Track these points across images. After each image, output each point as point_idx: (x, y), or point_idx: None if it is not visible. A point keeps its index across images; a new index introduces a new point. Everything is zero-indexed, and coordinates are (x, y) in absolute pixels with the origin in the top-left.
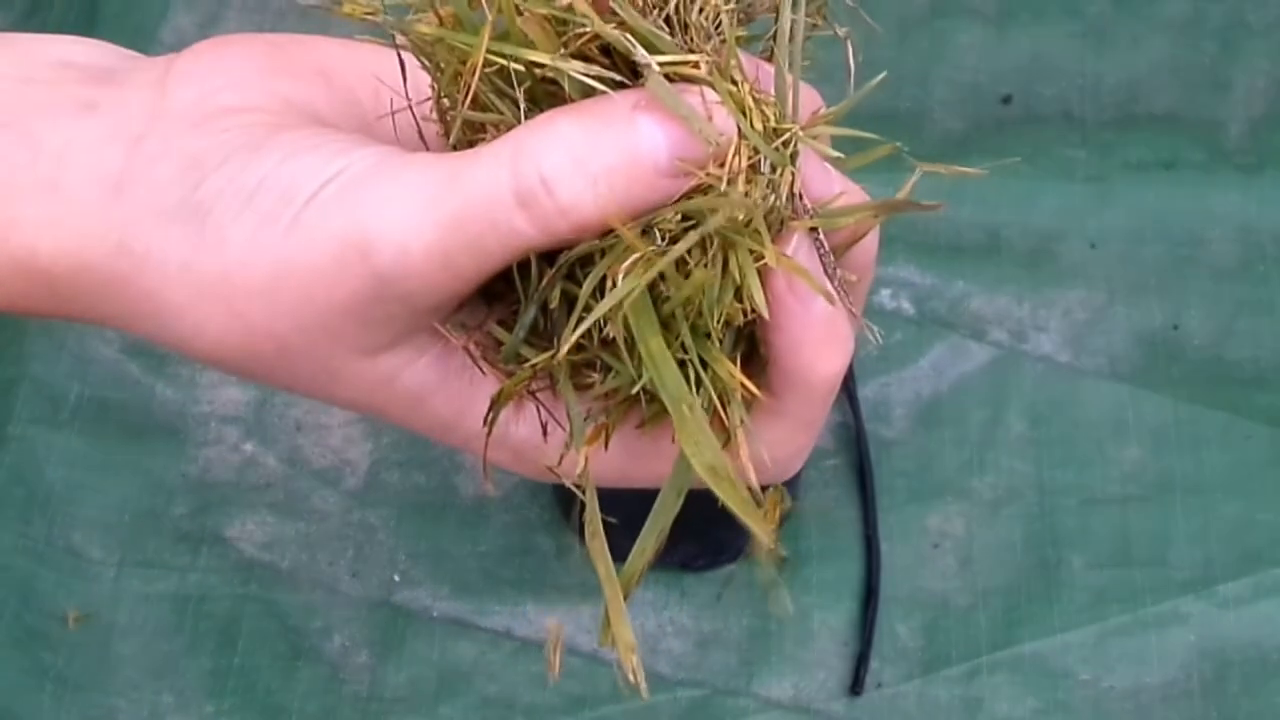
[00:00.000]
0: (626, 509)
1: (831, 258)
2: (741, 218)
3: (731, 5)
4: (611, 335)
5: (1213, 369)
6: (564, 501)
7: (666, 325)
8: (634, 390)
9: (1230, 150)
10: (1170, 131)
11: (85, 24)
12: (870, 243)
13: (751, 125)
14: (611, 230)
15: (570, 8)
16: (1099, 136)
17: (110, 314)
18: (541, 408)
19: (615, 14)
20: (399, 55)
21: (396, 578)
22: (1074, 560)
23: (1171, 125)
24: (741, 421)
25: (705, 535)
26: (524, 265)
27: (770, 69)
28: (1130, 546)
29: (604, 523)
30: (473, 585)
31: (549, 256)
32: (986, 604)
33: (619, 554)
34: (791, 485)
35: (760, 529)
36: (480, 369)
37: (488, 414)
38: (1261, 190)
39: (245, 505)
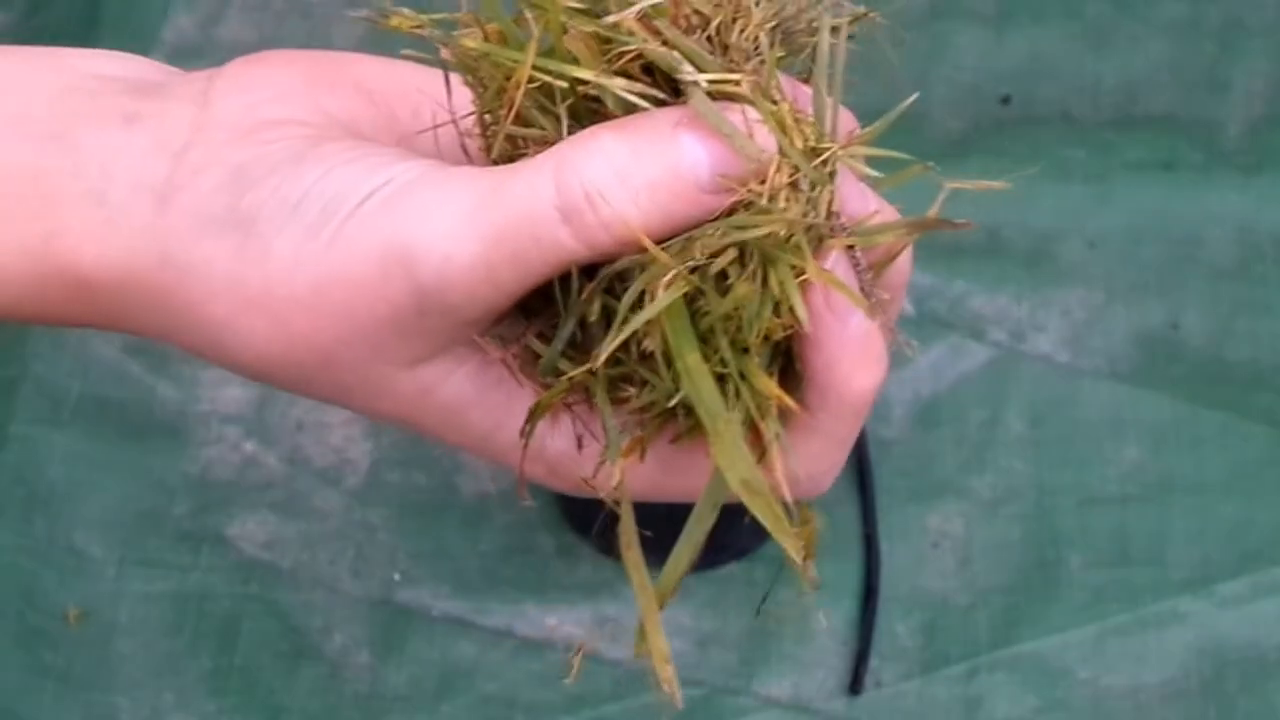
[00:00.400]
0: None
1: (869, 275)
2: (783, 233)
3: (771, 27)
4: (649, 349)
5: (1211, 369)
6: (564, 501)
7: (704, 340)
8: (670, 404)
9: (1229, 151)
10: (1169, 132)
11: (86, 24)
12: (904, 262)
13: (792, 143)
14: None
15: (616, 26)
16: (1098, 137)
17: (152, 325)
18: (578, 421)
19: (659, 33)
20: (444, 70)
21: (397, 577)
22: (1073, 560)
23: (1170, 126)
24: (777, 436)
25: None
26: (564, 279)
27: (808, 90)
28: (1129, 546)
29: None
30: (473, 584)
31: (589, 271)
32: (986, 603)
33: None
34: None
35: (792, 546)
36: (518, 381)
37: (525, 425)
38: (1260, 190)
39: (246, 504)
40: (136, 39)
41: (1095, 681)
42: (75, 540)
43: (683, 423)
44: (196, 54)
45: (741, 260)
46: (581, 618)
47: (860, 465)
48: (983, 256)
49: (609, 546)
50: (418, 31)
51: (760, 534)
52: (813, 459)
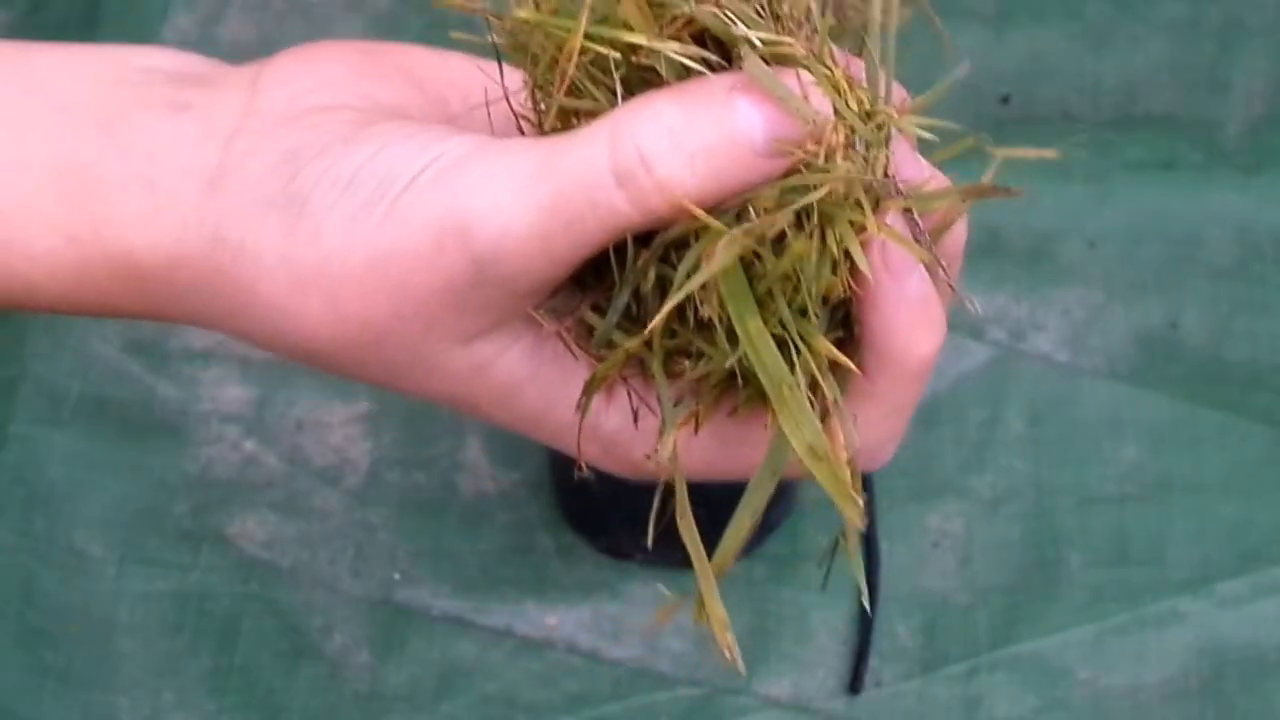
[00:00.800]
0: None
1: (927, 238)
2: (842, 191)
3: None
4: (706, 317)
5: (1211, 369)
6: (564, 501)
7: (762, 304)
8: (727, 370)
9: (1229, 150)
10: (1169, 132)
11: (86, 23)
12: (960, 230)
13: (847, 105)
14: (709, 212)
15: None
16: (1098, 136)
17: (201, 310)
18: (633, 395)
19: None
20: (495, 47)
21: (397, 576)
22: (1072, 559)
23: (1170, 125)
24: (836, 402)
25: (706, 535)
26: (619, 250)
27: (859, 61)
28: (1128, 546)
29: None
30: (473, 584)
31: (644, 241)
32: (986, 603)
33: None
34: (792, 484)
35: (854, 514)
36: (573, 354)
37: (581, 398)
38: (1260, 190)
39: (246, 504)
40: (136, 39)
41: (1095, 681)
42: (75, 540)
43: (740, 393)
44: (197, 53)
45: (799, 222)
46: (581, 618)
47: None
48: (983, 256)
49: (609, 546)
50: (469, 6)
51: (760, 531)
52: (872, 426)
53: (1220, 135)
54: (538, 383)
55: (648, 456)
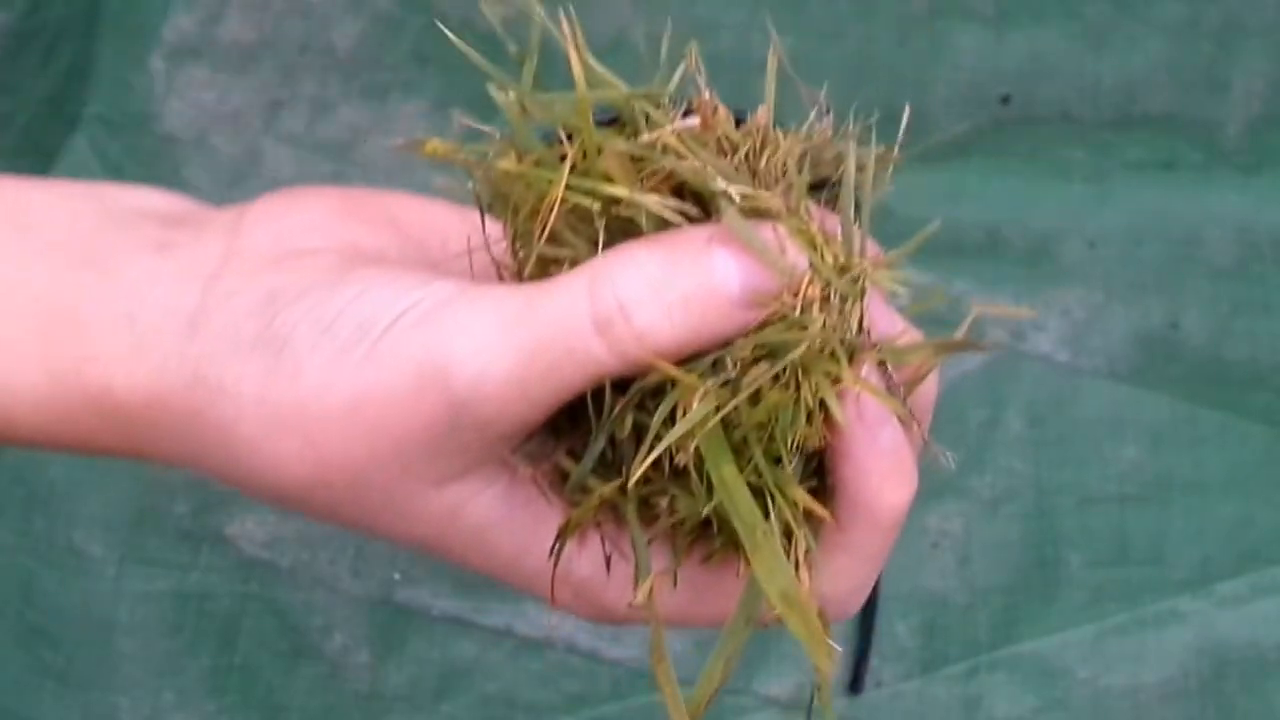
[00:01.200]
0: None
1: (900, 391)
2: (818, 344)
3: (798, 156)
4: (681, 465)
5: (1210, 369)
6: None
7: (737, 452)
8: (701, 517)
9: (1228, 151)
10: (1168, 132)
11: (86, 23)
12: (931, 384)
13: (822, 259)
14: (685, 360)
15: (650, 145)
16: (1098, 137)
17: (180, 450)
18: (606, 541)
19: (692, 153)
20: (476, 196)
21: (397, 576)
22: (1072, 559)
23: (1169, 126)
24: (809, 550)
25: None
26: (595, 396)
27: (834, 216)
28: (1128, 545)
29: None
30: (473, 584)
31: (620, 387)
32: (985, 603)
33: None
34: None
35: (824, 663)
36: (547, 500)
37: (554, 544)
38: (1259, 190)
39: (246, 504)
40: (136, 38)
41: (1095, 681)
42: (75, 540)
43: (715, 540)
44: (196, 53)
45: (775, 372)
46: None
47: None
48: (983, 256)
49: None
50: (453, 158)
51: None
52: (844, 575)
53: (1220, 135)
54: (511, 527)
55: (630, 605)
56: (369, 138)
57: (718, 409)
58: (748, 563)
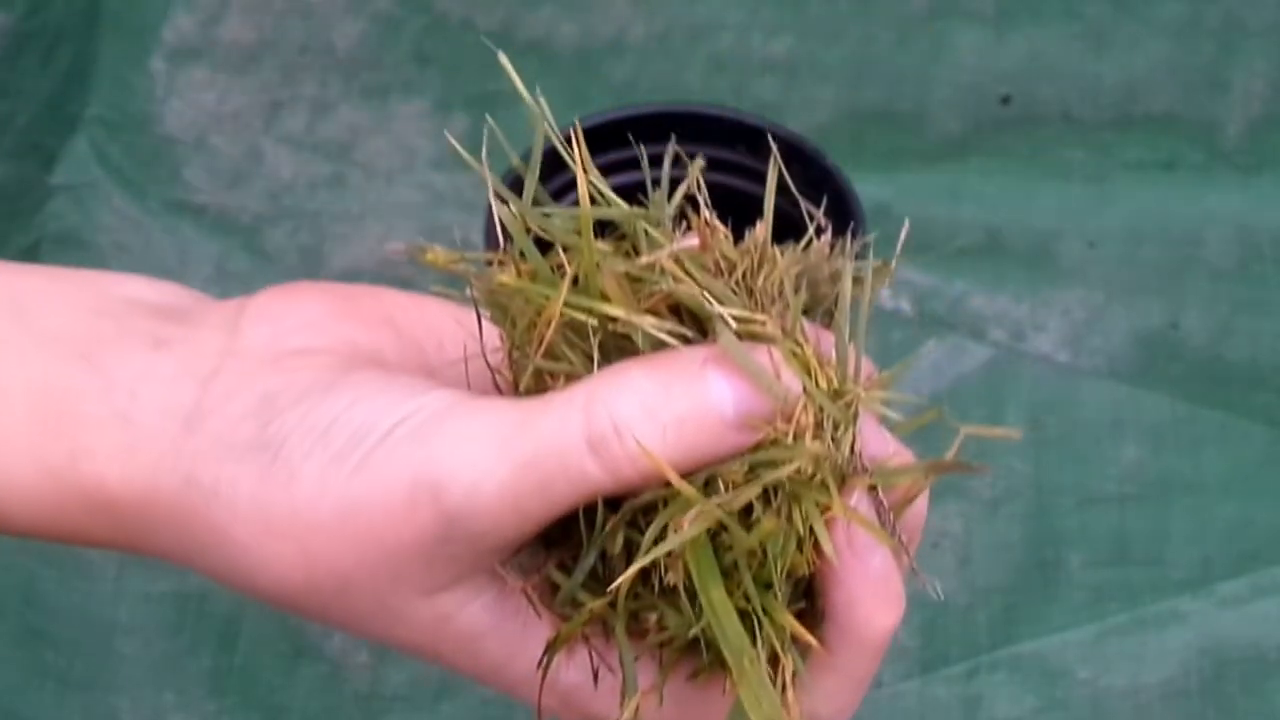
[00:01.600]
0: None
1: (890, 516)
2: (810, 471)
3: (795, 273)
4: (671, 583)
5: (1211, 369)
6: None
7: (727, 575)
8: (689, 637)
9: (1228, 151)
10: (1168, 132)
11: (86, 23)
12: (921, 505)
13: (816, 384)
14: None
15: (648, 266)
16: (1098, 137)
17: (173, 547)
18: (594, 653)
19: (689, 275)
20: (475, 306)
21: None
22: (1072, 559)
23: (1170, 126)
24: (795, 674)
25: None
26: (587, 509)
27: (829, 336)
28: (1128, 546)
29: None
30: None
31: (612, 503)
32: (985, 603)
33: None
34: None
35: None
36: (536, 612)
37: (542, 658)
38: (1260, 190)
39: None
40: (136, 39)
41: (1095, 681)
42: None
43: (703, 657)
44: (196, 54)
45: (766, 498)
46: None
47: None
48: (983, 256)
49: None
50: (452, 267)
51: None
52: (830, 698)
53: (1221, 135)
54: (499, 635)
55: None
56: (369, 138)
57: (710, 532)
58: (734, 685)
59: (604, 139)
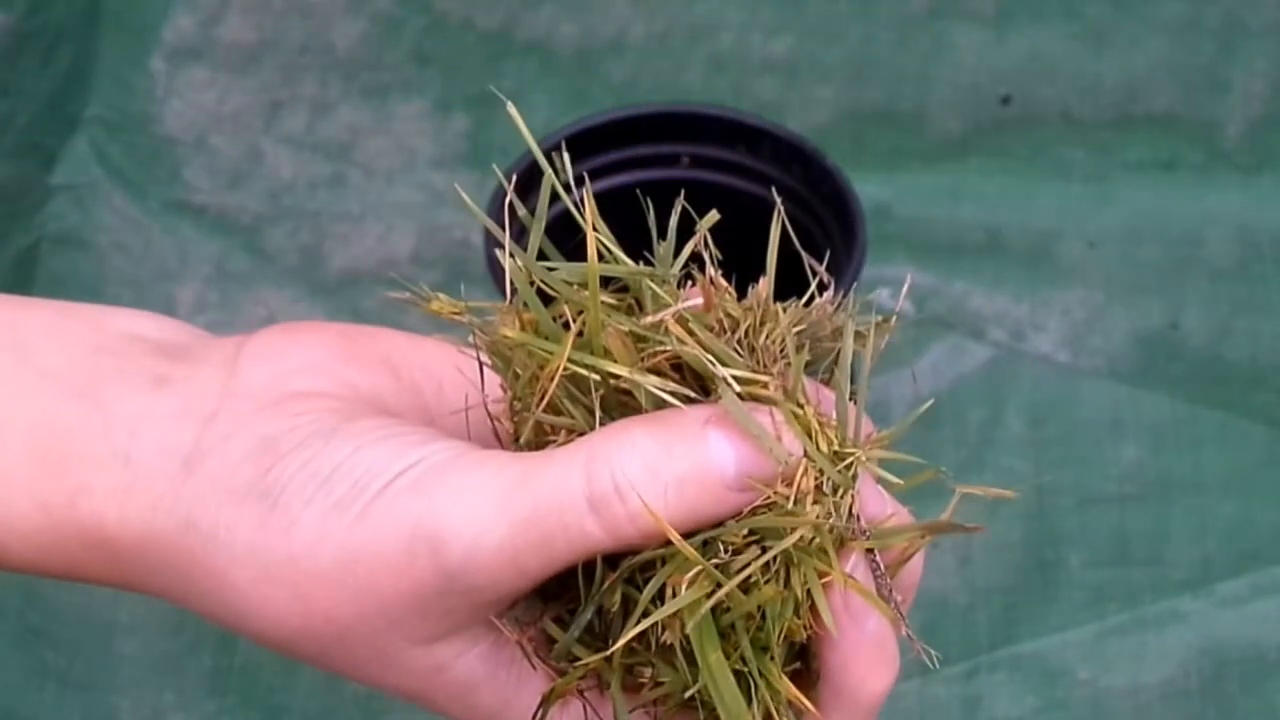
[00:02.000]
0: None
1: (887, 578)
2: (809, 536)
3: (797, 331)
4: (668, 641)
5: (1211, 369)
6: None
7: (724, 636)
8: (684, 696)
9: (1228, 151)
10: (1169, 132)
11: (86, 23)
12: (916, 564)
13: (817, 447)
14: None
15: (653, 325)
16: (1098, 137)
17: (170, 587)
18: (588, 707)
19: (692, 334)
20: (478, 357)
21: None
22: (1072, 559)
23: (1170, 126)
24: None
25: None
26: (586, 566)
27: (830, 393)
28: (1128, 546)
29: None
30: None
31: (610, 560)
32: (985, 603)
33: None
34: None
35: None
36: (532, 665)
37: (537, 712)
38: (1260, 190)
39: None
40: (136, 39)
41: (1095, 681)
42: None
43: (698, 714)
44: (196, 54)
45: (765, 561)
46: None
47: None
48: (983, 256)
49: None
50: (455, 317)
51: None
52: None
53: (1220, 135)
54: (494, 685)
55: None
56: (369, 138)
57: (709, 595)
58: None
59: (604, 139)
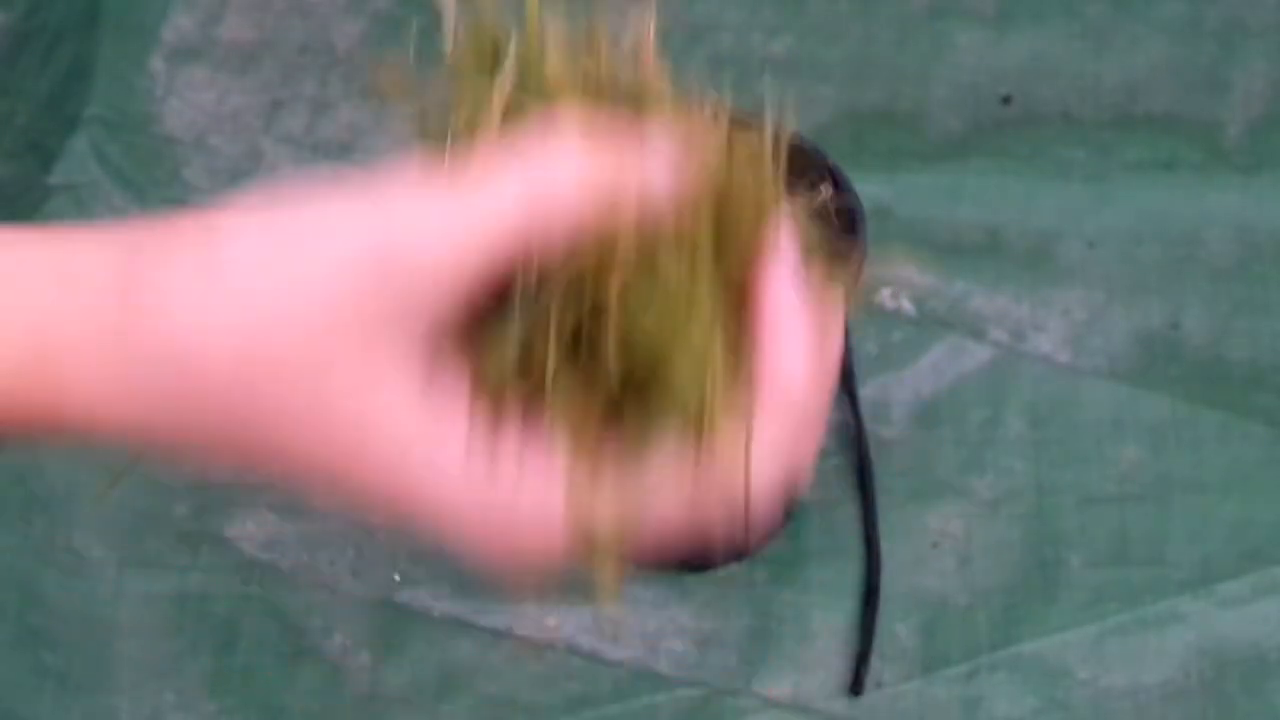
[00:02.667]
0: None
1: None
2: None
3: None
4: (599, 339)
5: (1211, 369)
6: None
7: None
8: (609, 400)
9: (1228, 151)
10: (1169, 132)
11: (86, 23)
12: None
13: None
14: (609, 251)
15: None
16: (1098, 137)
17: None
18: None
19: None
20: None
21: (397, 577)
22: (1072, 559)
23: (1170, 126)
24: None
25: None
26: (522, 294)
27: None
28: (1129, 546)
29: None
30: (473, 584)
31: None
32: (986, 603)
33: None
34: (793, 489)
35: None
36: (468, 396)
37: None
38: (1260, 190)
39: (246, 505)
40: (136, 39)
41: (1095, 681)
42: (75, 540)
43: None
44: (196, 54)
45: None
46: (582, 619)
47: (860, 465)
48: (983, 256)
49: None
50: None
51: (762, 536)
52: (774, 442)
53: (1220, 135)
54: (424, 443)
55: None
56: (369, 138)
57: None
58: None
59: None
